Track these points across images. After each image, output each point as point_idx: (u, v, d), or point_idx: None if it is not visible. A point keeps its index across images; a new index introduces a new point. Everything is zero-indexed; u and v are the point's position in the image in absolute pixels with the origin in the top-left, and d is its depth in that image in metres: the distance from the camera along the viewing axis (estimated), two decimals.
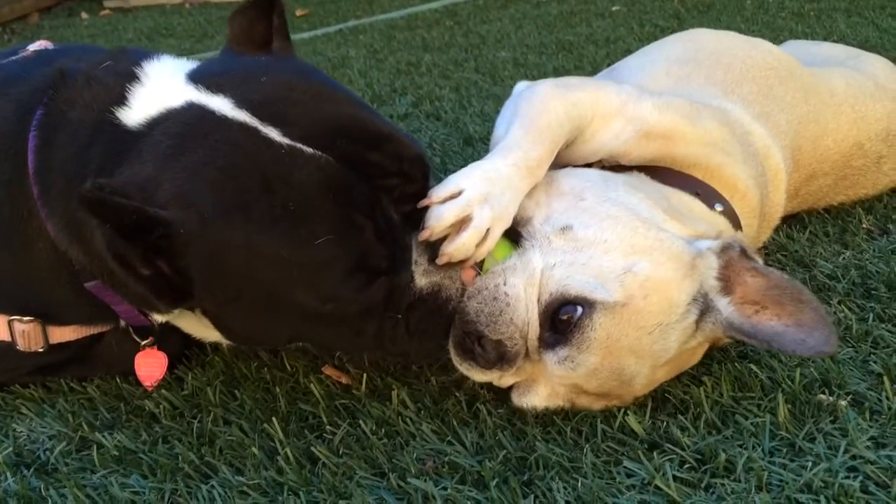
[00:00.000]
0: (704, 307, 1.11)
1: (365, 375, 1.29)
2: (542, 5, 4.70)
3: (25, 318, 1.27)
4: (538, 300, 1.11)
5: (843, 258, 1.55)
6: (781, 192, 1.49)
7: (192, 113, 1.10)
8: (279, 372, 1.35)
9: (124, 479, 1.13)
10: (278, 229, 1.03)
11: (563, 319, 1.08)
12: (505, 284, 1.11)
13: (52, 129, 1.18)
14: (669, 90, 1.50)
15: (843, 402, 1.12)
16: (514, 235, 1.18)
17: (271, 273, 1.05)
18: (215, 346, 1.43)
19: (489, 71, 3.25)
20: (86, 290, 1.20)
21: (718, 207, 1.31)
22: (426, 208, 1.12)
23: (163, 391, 1.30)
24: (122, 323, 1.30)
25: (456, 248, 1.10)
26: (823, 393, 1.15)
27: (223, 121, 1.08)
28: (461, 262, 1.13)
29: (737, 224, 1.33)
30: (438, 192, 1.13)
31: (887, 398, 1.12)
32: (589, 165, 1.35)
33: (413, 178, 1.13)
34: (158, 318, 1.24)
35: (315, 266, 1.05)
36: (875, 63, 1.88)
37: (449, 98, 2.86)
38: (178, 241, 1.02)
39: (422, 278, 1.13)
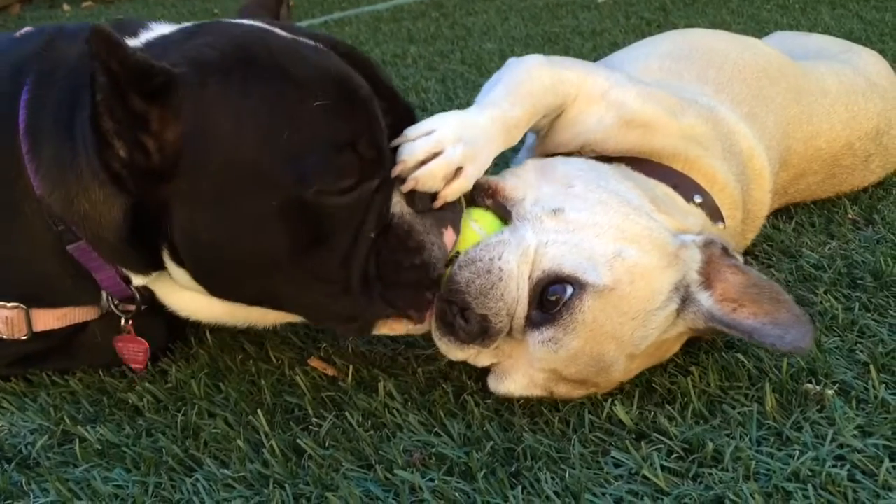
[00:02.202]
0: (686, 297, 1.12)
1: (351, 367, 1.28)
2: None
3: (9, 305, 1.24)
4: (529, 277, 1.10)
5: (829, 248, 1.55)
6: (765, 190, 1.48)
7: (209, 22, 1.18)
8: (264, 364, 1.33)
9: (107, 472, 1.11)
10: (276, 86, 1.04)
11: (550, 300, 1.08)
12: (500, 259, 1.10)
13: (46, 75, 1.17)
14: (661, 84, 1.50)
15: (830, 392, 1.12)
16: (503, 213, 1.17)
17: (259, 134, 1.03)
18: (199, 339, 1.42)
19: (475, 62, 3.25)
20: (69, 258, 1.18)
21: (697, 199, 1.31)
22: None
23: (146, 384, 1.29)
24: (105, 299, 1.27)
25: (422, 174, 1.09)
26: (810, 382, 1.15)
27: (241, 22, 1.16)
28: (440, 216, 1.12)
29: (717, 216, 1.32)
30: (412, 131, 1.13)
31: (873, 387, 1.12)
32: (568, 154, 1.35)
33: (402, 117, 1.15)
34: (137, 280, 1.20)
35: (307, 132, 1.03)
36: (867, 58, 1.87)
37: (435, 90, 2.85)
38: (175, 99, 1.01)
39: (398, 206, 1.11)
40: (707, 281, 1.14)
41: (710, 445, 1.04)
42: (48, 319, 1.27)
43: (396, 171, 1.10)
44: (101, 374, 1.33)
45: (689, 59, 1.61)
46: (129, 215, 1.10)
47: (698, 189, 1.32)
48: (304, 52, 1.09)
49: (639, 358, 1.14)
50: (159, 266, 1.15)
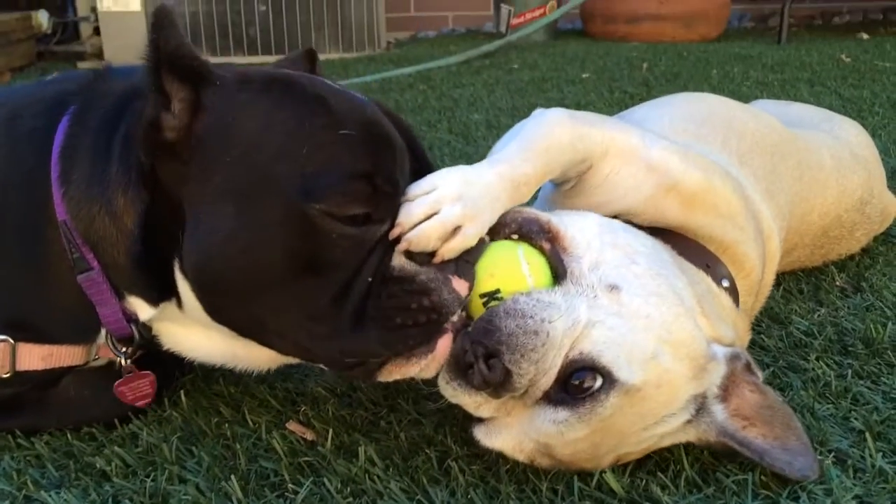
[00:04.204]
0: (700, 408, 1.09)
1: (331, 431, 1.24)
2: (514, 72, 4.79)
3: None
4: (566, 354, 1.04)
5: (819, 315, 1.53)
6: (772, 273, 1.44)
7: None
8: (240, 427, 1.28)
9: None
10: (309, 108, 1.07)
11: (574, 383, 1.03)
12: (550, 323, 1.04)
13: (94, 101, 1.19)
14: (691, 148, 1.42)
15: (827, 461, 1.09)
16: (557, 265, 1.11)
17: (279, 141, 1.04)
18: (174, 401, 1.37)
19: (462, 132, 3.27)
20: (77, 290, 1.17)
21: (725, 283, 1.26)
22: None
23: (115, 448, 1.23)
24: (103, 337, 1.24)
25: (416, 236, 1.05)
26: None
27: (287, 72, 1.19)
28: (443, 266, 1.07)
29: (736, 301, 1.28)
30: (413, 190, 1.10)
31: (870, 455, 1.09)
32: None
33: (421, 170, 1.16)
34: (144, 314, 1.18)
35: (327, 153, 1.04)
36: (849, 129, 1.89)
37: None
38: (208, 91, 1.05)
39: (398, 258, 1.07)
40: (724, 394, 1.11)
41: None
42: (33, 358, 1.23)
43: (395, 233, 1.07)
44: (69, 436, 1.28)
45: (711, 125, 1.54)
46: (143, 224, 1.11)
47: (727, 274, 1.27)
48: (347, 94, 1.13)
49: (632, 455, 1.11)
50: (169, 291, 1.14)
